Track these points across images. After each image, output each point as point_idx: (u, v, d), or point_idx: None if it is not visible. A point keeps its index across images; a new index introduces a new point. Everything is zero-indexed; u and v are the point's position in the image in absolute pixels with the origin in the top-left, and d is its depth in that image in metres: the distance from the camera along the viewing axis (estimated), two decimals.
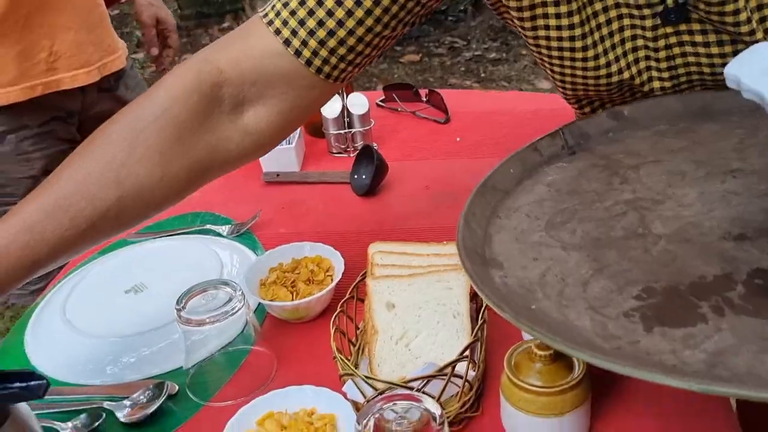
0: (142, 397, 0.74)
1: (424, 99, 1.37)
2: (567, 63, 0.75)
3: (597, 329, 0.50)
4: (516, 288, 0.56)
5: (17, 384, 0.57)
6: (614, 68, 0.74)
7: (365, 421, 0.54)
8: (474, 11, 5.12)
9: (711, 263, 0.54)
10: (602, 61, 0.73)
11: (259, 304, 0.85)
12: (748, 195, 0.61)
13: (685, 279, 0.54)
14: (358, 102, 1.21)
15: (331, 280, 0.84)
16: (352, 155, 1.20)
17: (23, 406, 0.61)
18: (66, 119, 1.42)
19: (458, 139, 1.25)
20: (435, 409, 0.54)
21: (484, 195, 0.66)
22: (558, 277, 0.56)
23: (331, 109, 1.20)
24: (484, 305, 0.70)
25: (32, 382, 0.57)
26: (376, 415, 0.55)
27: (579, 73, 0.75)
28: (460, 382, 0.65)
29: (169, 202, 0.71)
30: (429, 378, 0.63)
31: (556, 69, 0.77)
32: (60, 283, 0.97)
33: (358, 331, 0.76)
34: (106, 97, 1.49)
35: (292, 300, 0.81)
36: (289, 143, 1.18)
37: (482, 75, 4.08)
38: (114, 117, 0.73)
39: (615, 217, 0.63)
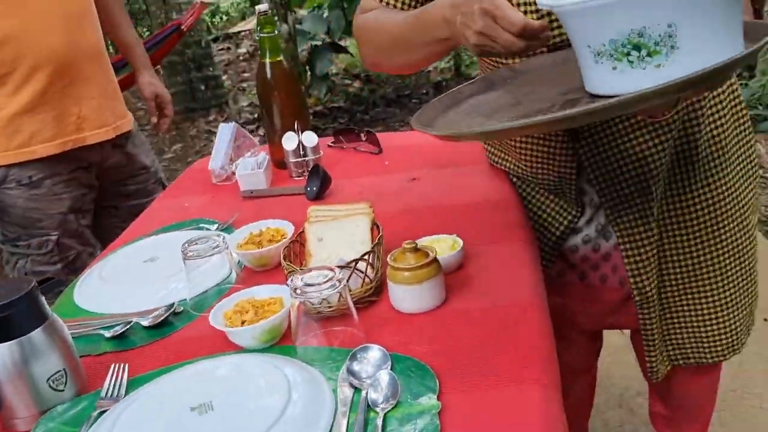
0: (158, 312, 1.11)
1: (364, 139, 1.79)
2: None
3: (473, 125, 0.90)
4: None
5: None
6: None
7: (294, 287, 0.92)
8: (435, 93, 5.70)
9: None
10: None
11: (239, 261, 1.23)
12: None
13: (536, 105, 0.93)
14: (310, 138, 1.63)
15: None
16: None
17: (57, 319, 0.95)
18: (87, 168, 1.84)
19: (386, 162, 1.67)
20: (340, 275, 0.93)
21: (423, 111, 1.00)
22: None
23: (290, 143, 1.62)
24: (380, 234, 1.09)
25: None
26: (301, 284, 0.92)
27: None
28: (363, 276, 1.03)
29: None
30: (341, 268, 1.01)
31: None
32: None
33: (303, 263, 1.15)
34: (117, 152, 1.92)
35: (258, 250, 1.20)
36: (259, 169, 1.59)
37: None
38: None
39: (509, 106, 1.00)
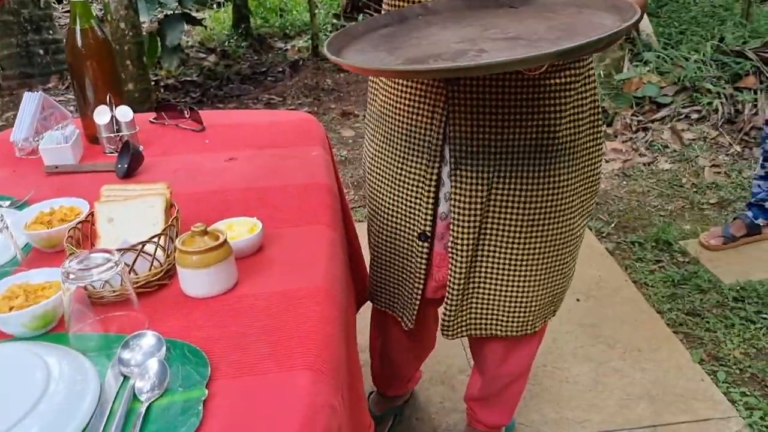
0: None
1: (186, 116, 1.73)
2: None
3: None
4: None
5: None
6: None
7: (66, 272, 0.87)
8: (291, 72, 5.63)
9: None
10: None
11: (27, 243, 1.15)
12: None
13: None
14: (124, 112, 1.55)
15: None
16: None
17: None
18: None
19: (207, 141, 1.63)
20: (118, 259, 0.89)
21: (339, 34, 1.07)
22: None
23: (102, 117, 1.53)
24: (174, 216, 1.06)
25: None
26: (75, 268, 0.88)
27: None
28: (152, 259, 1.00)
29: None
30: (124, 251, 0.97)
31: None
32: None
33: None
34: None
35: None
36: (65, 143, 1.50)
37: None
38: None
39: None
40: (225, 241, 0.99)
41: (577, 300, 2.55)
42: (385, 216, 1.43)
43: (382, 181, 1.41)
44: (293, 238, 1.15)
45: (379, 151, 1.41)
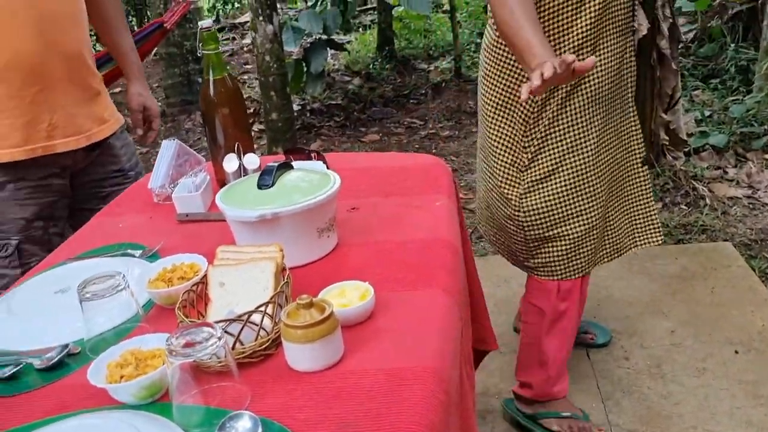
0: (51, 354, 1.06)
1: (313, 157, 1.73)
2: None
3: None
4: None
5: None
6: None
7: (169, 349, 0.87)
8: (433, 94, 5.61)
9: None
10: None
11: (149, 299, 1.18)
12: None
13: None
14: (251, 160, 1.57)
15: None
16: None
17: None
18: (60, 174, 1.79)
19: None
20: (216, 331, 0.88)
21: None
22: None
23: (230, 164, 1.56)
24: (283, 282, 1.04)
25: None
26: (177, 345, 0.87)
27: None
28: (258, 329, 0.98)
29: None
30: (230, 321, 0.96)
31: None
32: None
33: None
34: (94, 156, 1.87)
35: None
36: (196, 191, 1.54)
37: (433, 151, 4.50)
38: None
39: None
40: (331, 314, 0.95)
41: (736, 352, 2.29)
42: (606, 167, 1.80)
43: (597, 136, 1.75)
44: (406, 305, 1.09)
45: (590, 118, 1.72)
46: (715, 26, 4.96)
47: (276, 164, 1.31)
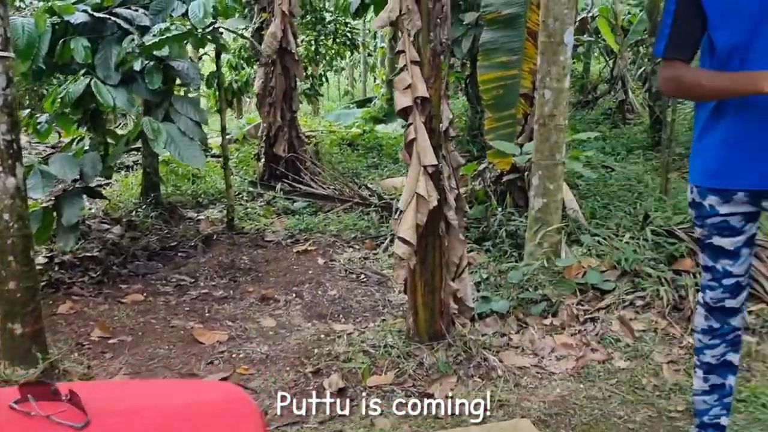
0: None
1: (64, 398, 1.26)
2: None
3: None
4: None
5: None
6: None
7: None
8: (204, 247, 5.19)
9: None
10: None
11: None
12: None
13: None
14: None
15: None
16: None
17: None
18: None
19: None
20: None
21: None
22: None
23: None
24: None
25: None
26: None
27: None
28: None
29: None
30: None
31: None
32: None
33: None
34: None
35: None
36: None
37: (207, 314, 4.03)
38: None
39: None
40: None
41: None
42: None
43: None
44: None
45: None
46: (479, 189, 5.26)
47: None
